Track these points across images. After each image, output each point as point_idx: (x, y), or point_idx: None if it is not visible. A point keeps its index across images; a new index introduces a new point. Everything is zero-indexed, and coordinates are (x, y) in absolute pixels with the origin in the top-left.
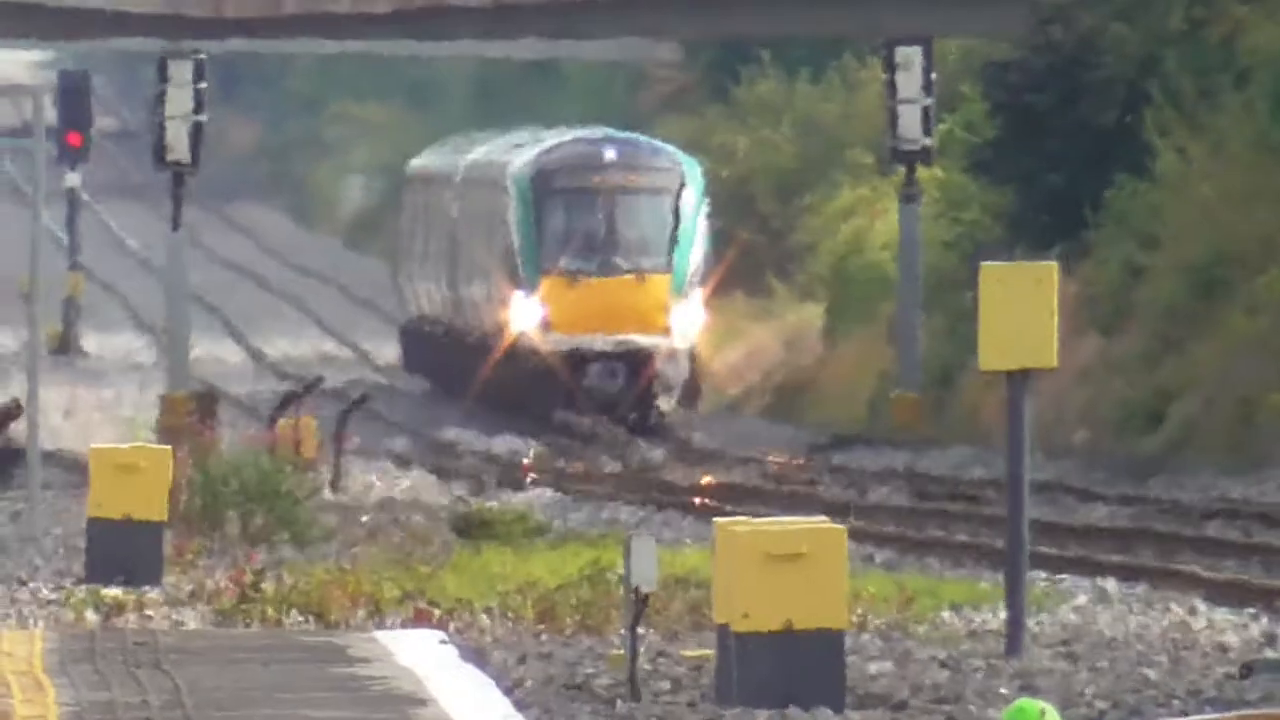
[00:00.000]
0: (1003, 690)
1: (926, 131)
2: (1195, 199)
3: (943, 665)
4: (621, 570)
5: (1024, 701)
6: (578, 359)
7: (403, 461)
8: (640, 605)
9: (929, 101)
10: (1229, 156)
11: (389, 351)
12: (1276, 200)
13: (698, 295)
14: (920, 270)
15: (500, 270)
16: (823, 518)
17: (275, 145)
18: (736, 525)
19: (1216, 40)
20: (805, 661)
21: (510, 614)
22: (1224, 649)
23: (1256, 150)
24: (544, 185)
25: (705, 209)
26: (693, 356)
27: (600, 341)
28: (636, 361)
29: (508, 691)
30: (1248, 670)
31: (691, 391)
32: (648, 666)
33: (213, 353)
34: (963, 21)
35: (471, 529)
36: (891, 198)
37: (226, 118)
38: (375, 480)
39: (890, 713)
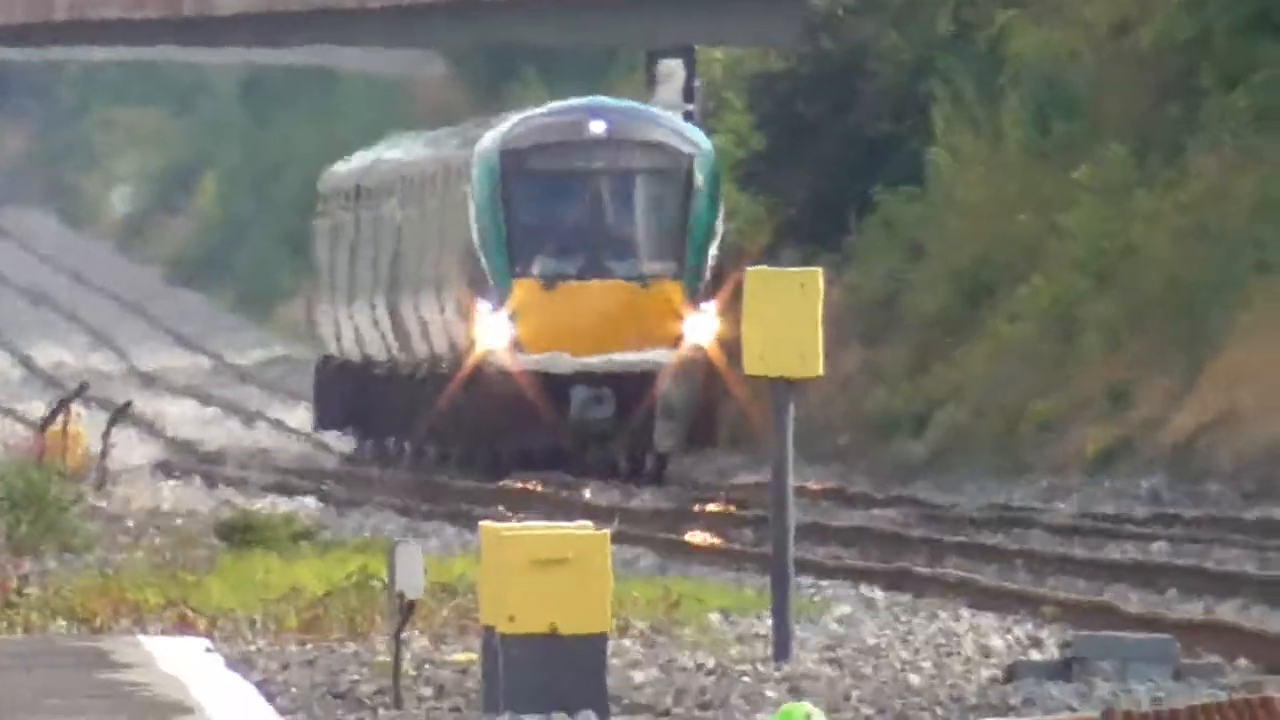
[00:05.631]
0: (769, 694)
1: None
2: (961, 206)
3: (709, 672)
4: (387, 577)
5: (790, 706)
6: (558, 384)
7: (169, 468)
8: (405, 612)
9: (690, 108)
10: (995, 163)
11: (166, 360)
12: (1041, 207)
13: (712, 302)
14: None
15: (460, 278)
16: (587, 523)
17: (46, 152)
18: (502, 530)
19: (984, 45)
20: (569, 666)
21: (275, 621)
22: (988, 653)
23: (1021, 156)
24: (514, 167)
25: (721, 194)
26: (708, 378)
27: (586, 362)
28: (632, 386)
29: (271, 698)
30: (1011, 674)
31: (706, 422)
32: (413, 673)
33: None
34: (729, 30)
35: (237, 534)
36: None
37: None
38: (142, 487)
39: (656, 718)
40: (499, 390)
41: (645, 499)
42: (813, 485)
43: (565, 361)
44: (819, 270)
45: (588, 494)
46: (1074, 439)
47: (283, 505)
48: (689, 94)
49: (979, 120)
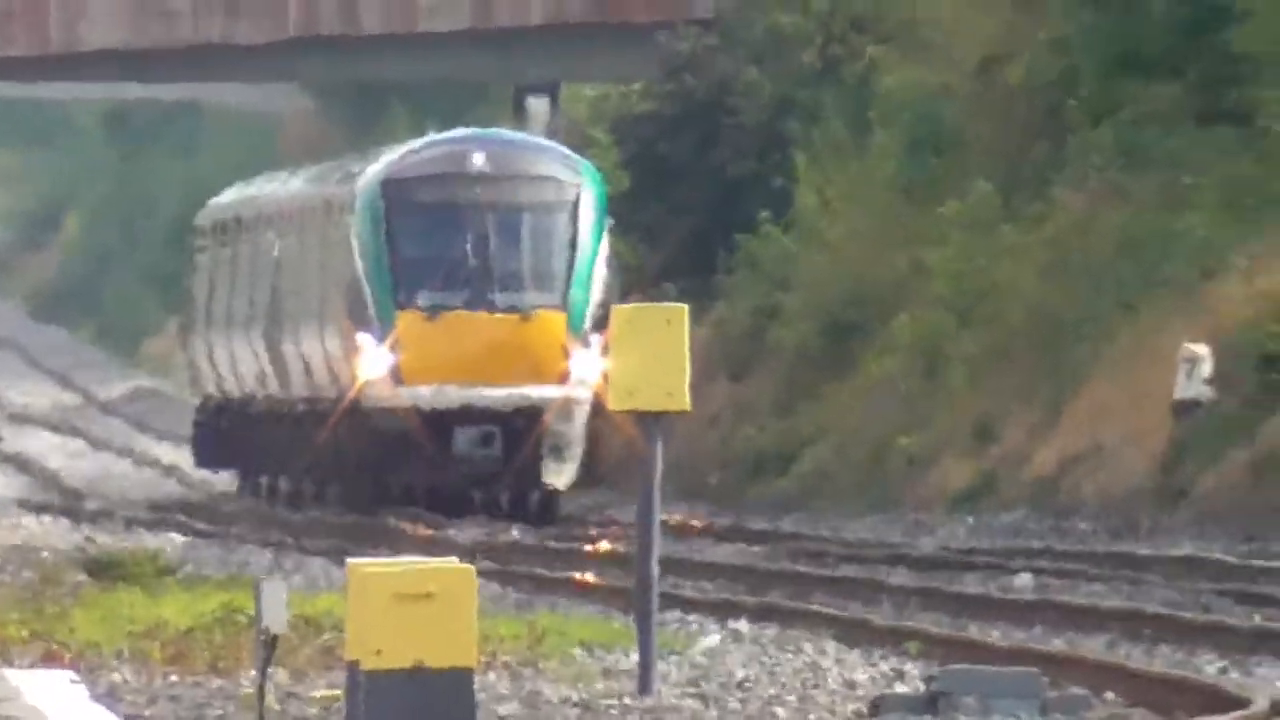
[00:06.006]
0: None
1: None
2: (829, 242)
3: (574, 705)
4: (252, 612)
5: None
6: (442, 420)
7: (34, 503)
8: (270, 647)
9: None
10: (863, 199)
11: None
12: (909, 243)
13: (599, 337)
14: None
15: (341, 310)
16: (452, 558)
17: None
18: (367, 566)
19: (852, 81)
20: (434, 701)
21: (140, 655)
22: (853, 687)
23: (890, 193)
24: (398, 198)
25: (609, 225)
26: (594, 415)
27: (471, 396)
28: (518, 424)
29: None
30: (876, 708)
31: (592, 460)
32: (278, 707)
33: None
34: (595, 67)
35: (102, 569)
36: None
37: None
38: (6, 521)
39: None
40: (380, 425)
41: (513, 535)
42: (678, 518)
43: (449, 397)
44: (684, 306)
45: (454, 531)
46: (939, 474)
47: (148, 540)
48: (553, 131)
49: (845, 157)
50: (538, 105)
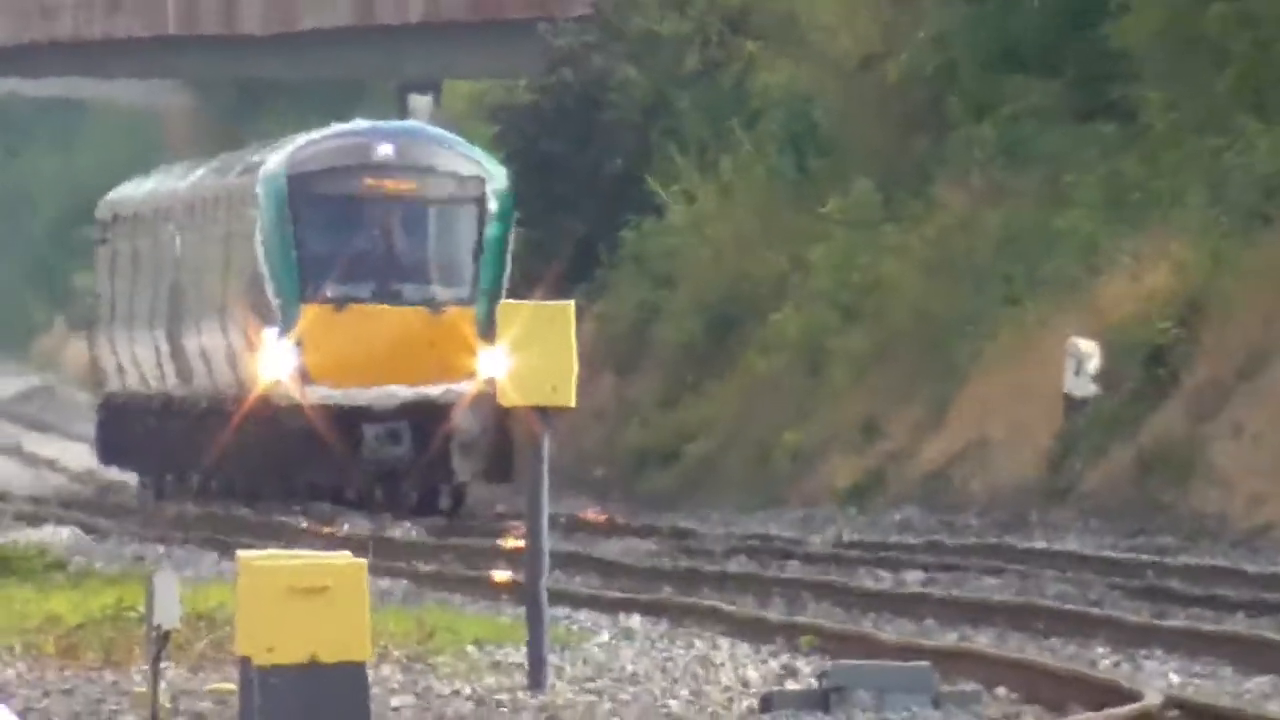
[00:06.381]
0: None
1: None
2: (709, 239)
3: (466, 699)
4: (144, 607)
5: None
6: (350, 419)
7: None
8: (162, 641)
9: None
10: (740, 198)
11: None
12: (787, 239)
13: None
14: None
15: (245, 305)
16: (345, 552)
17: None
18: (258, 560)
19: (729, 81)
20: (328, 695)
21: (34, 650)
22: (745, 682)
23: (768, 190)
24: (303, 191)
25: (515, 220)
26: (503, 410)
27: (379, 395)
28: (426, 420)
29: None
30: (767, 704)
31: (501, 456)
32: (169, 704)
33: None
34: (477, 64)
35: None
36: None
37: None
38: None
39: None
40: (286, 421)
41: (404, 530)
42: (591, 514)
43: (356, 395)
44: (571, 303)
45: (346, 526)
46: (827, 470)
47: (38, 535)
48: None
49: (719, 156)
50: (420, 102)
